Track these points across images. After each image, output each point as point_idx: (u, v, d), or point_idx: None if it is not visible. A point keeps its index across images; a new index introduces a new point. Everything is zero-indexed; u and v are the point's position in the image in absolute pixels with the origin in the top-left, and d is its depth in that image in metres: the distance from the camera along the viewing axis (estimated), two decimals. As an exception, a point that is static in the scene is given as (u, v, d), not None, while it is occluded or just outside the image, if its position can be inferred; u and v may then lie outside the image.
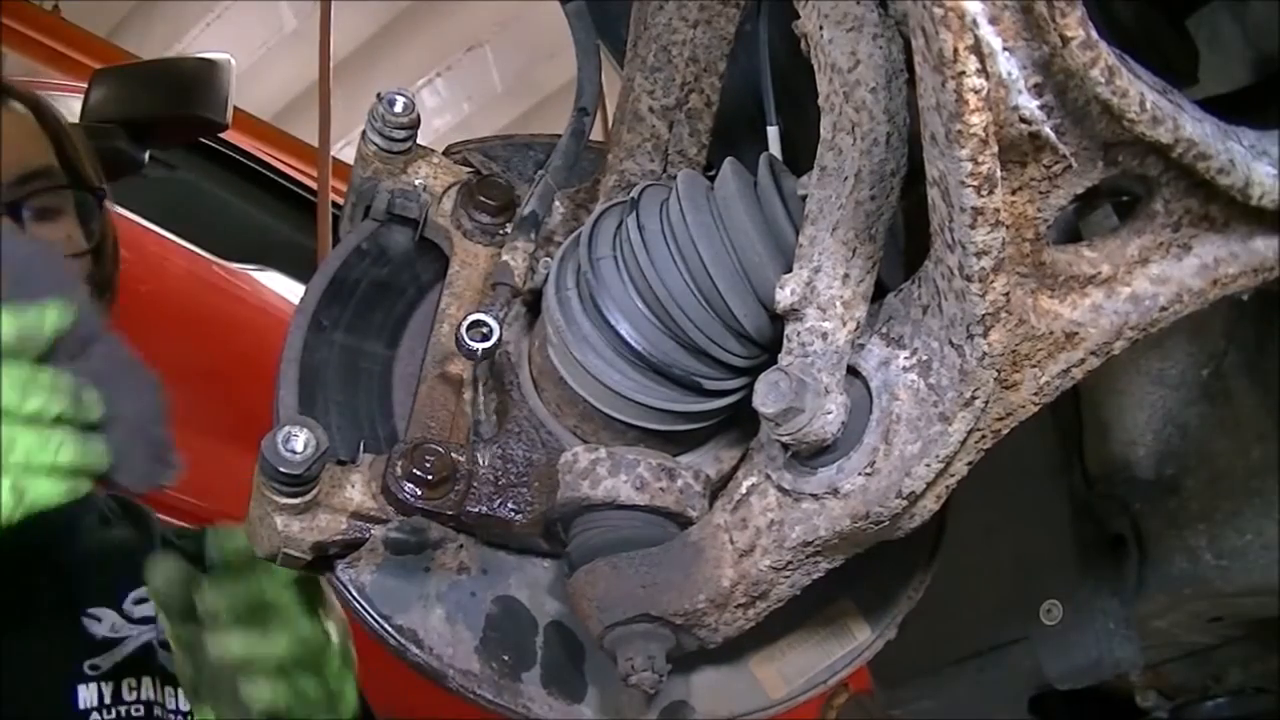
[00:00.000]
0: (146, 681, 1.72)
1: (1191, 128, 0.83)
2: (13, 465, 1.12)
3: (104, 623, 1.74)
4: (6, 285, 1.17)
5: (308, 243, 4.10)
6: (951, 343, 0.87)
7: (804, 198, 0.98)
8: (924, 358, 0.90)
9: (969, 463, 0.92)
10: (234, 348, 3.37)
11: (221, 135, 4.04)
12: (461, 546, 1.13)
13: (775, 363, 0.94)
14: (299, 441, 1.04)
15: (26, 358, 1.17)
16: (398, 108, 1.21)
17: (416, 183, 1.24)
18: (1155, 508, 1.46)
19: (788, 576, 0.99)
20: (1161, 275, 0.90)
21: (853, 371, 0.93)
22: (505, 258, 1.14)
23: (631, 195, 1.10)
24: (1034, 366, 0.88)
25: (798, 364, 0.93)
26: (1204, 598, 1.44)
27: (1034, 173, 0.82)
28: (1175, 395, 1.47)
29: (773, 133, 1.13)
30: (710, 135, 1.23)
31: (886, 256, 0.95)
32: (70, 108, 3.16)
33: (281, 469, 1.03)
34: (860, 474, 0.91)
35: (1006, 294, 0.83)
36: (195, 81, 3.53)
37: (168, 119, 3.48)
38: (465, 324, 1.06)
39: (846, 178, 0.91)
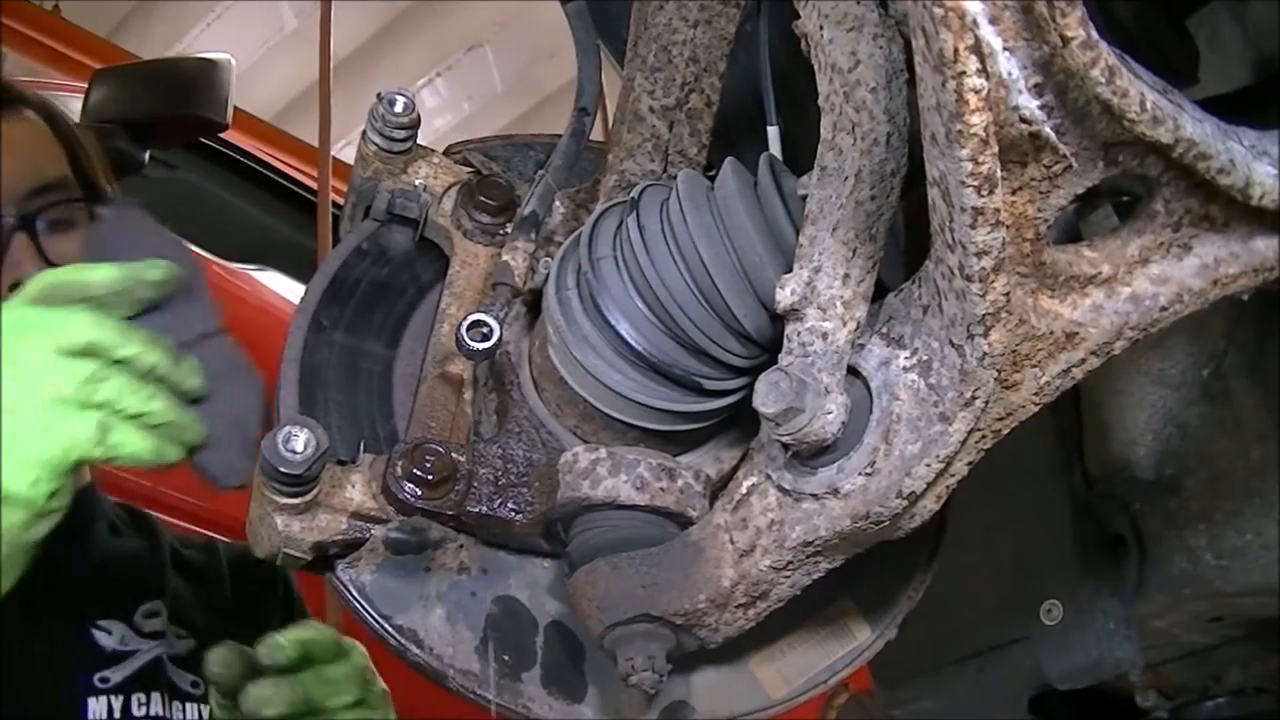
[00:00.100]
0: (156, 696, 1.72)
1: (1192, 128, 0.83)
2: (102, 402, 1.11)
3: (114, 635, 1.74)
4: (119, 250, 1.19)
5: (308, 243, 4.09)
6: (952, 343, 0.87)
7: (804, 198, 0.98)
8: (924, 358, 0.90)
9: (969, 463, 0.92)
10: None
11: (221, 135, 4.04)
12: (462, 546, 1.13)
13: (775, 363, 0.94)
14: (299, 441, 1.04)
15: (128, 307, 1.16)
16: (398, 108, 1.21)
17: (417, 183, 1.24)
18: (1155, 508, 1.46)
19: (788, 576, 0.99)
20: (1162, 275, 0.90)
21: (853, 371, 0.93)
22: (505, 258, 1.14)
23: (632, 195, 1.11)
24: (1034, 366, 0.88)
25: (798, 364, 0.93)
26: (1204, 598, 1.44)
27: (1034, 173, 0.82)
28: (1175, 395, 1.47)
29: (773, 133, 1.13)
30: (710, 135, 1.23)
31: (886, 256, 0.95)
32: (70, 108, 3.16)
33: (282, 469, 1.03)
34: (860, 474, 0.91)
35: (1007, 294, 0.83)
36: (195, 81, 3.53)
37: (168, 119, 3.48)
38: (465, 324, 1.06)
39: (847, 178, 0.91)
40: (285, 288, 3.91)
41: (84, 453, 1.10)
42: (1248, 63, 1.30)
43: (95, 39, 5.16)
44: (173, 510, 2.74)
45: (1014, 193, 0.82)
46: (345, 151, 4.19)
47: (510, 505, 1.11)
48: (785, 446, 0.94)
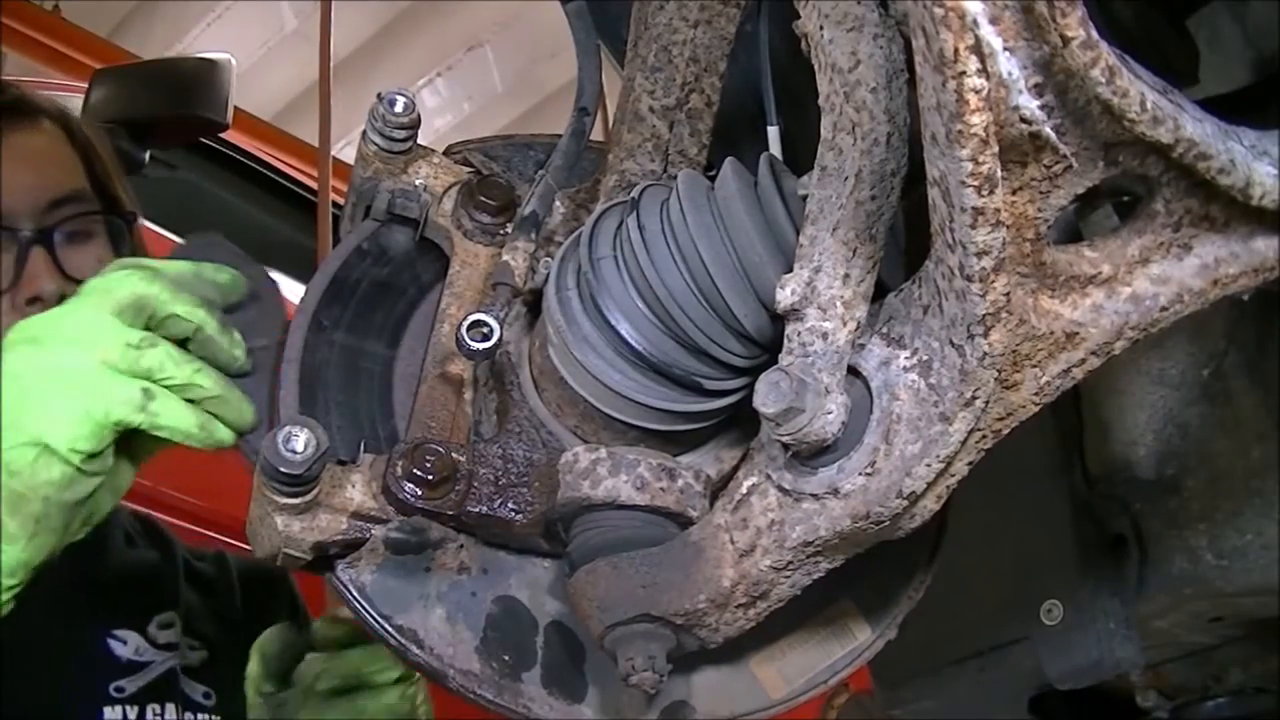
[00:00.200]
0: (170, 707, 1.74)
1: (1192, 128, 0.83)
2: (147, 369, 1.11)
3: (129, 645, 1.76)
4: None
5: (308, 243, 4.10)
6: (952, 343, 0.87)
7: (804, 198, 0.98)
8: (924, 358, 0.90)
9: (969, 463, 0.92)
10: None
11: (222, 135, 4.04)
12: (462, 546, 1.13)
13: (776, 363, 0.94)
14: (299, 441, 1.04)
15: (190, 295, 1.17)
16: (398, 108, 1.21)
17: (417, 183, 1.24)
18: (1155, 508, 1.46)
19: (788, 576, 0.99)
20: (1162, 275, 0.90)
21: (853, 371, 0.93)
22: (506, 258, 1.14)
23: (632, 195, 1.11)
24: (1034, 366, 0.88)
25: (798, 364, 0.93)
26: (1204, 598, 1.44)
27: (1034, 173, 0.82)
28: (1176, 395, 1.47)
29: (773, 133, 1.13)
30: (710, 135, 1.23)
31: (887, 256, 0.95)
32: (71, 107, 3.16)
33: (282, 469, 1.03)
34: (861, 474, 0.91)
35: (1007, 294, 0.83)
36: (196, 81, 3.53)
37: (168, 119, 3.48)
38: (466, 324, 1.06)
39: (847, 178, 0.91)
40: (285, 288, 3.91)
41: (123, 416, 1.10)
42: (1248, 63, 1.30)
43: (95, 39, 5.17)
44: (172, 510, 2.74)
45: (1014, 193, 0.82)
46: (345, 151, 4.20)
47: (510, 505, 1.11)
48: (785, 446, 0.94)
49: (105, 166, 1.90)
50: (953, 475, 0.92)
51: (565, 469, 1.09)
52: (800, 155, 1.03)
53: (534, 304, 1.18)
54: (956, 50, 0.74)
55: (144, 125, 3.37)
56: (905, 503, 0.91)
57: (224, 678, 1.81)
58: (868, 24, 0.90)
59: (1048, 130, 0.79)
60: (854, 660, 1.19)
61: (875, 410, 0.91)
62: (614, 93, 1.27)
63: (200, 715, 1.77)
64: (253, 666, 1.63)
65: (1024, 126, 0.78)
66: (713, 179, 1.08)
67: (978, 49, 0.74)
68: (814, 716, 2.83)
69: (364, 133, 1.22)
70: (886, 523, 0.93)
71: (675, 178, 1.09)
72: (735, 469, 1.12)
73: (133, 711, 1.70)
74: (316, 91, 4.41)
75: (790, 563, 0.97)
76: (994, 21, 0.74)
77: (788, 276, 0.94)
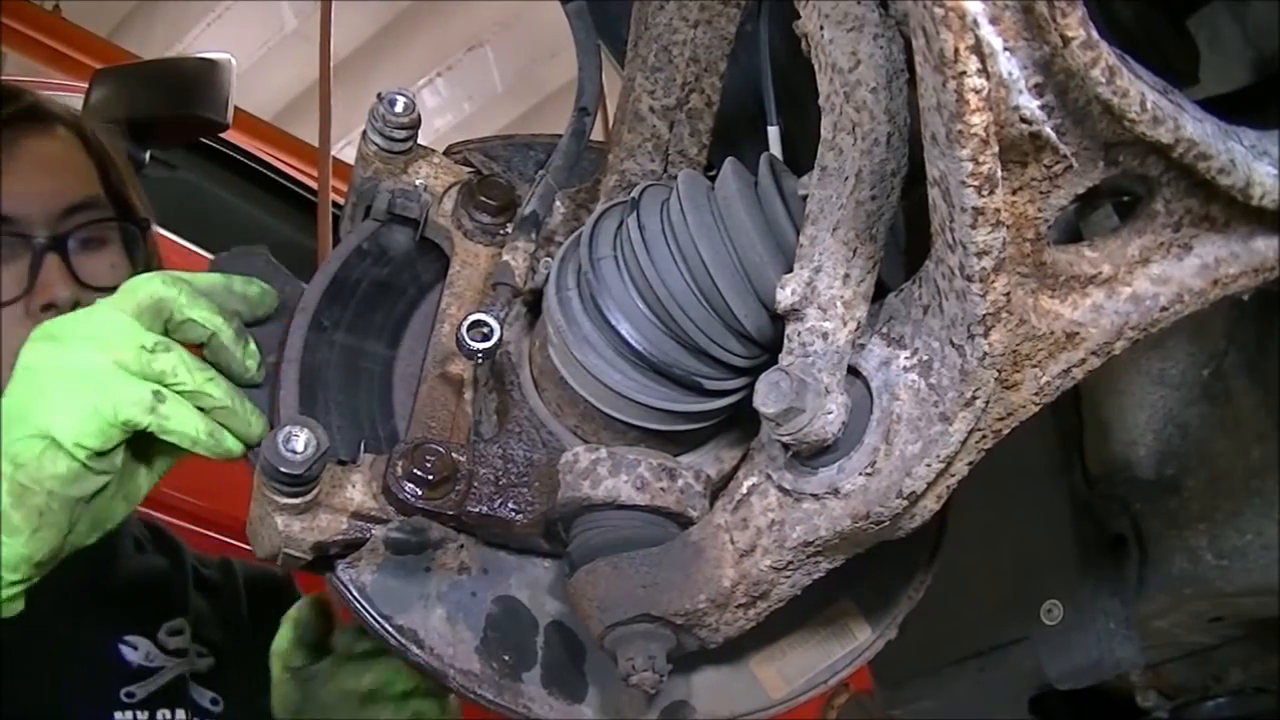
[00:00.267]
0: (180, 713, 1.75)
1: (1192, 128, 0.83)
2: (159, 372, 1.11)
3: (139, 651, 1.77)
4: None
5: (308, 243, 4.10)
6: (952, 343, 0.87)
7: (804, 198, 0.98)
8: (925, 358, 0.90)
9: (969, 463, 0.92)
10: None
11: (222, 135, 4.04)
12: (462, 546, 1.13)
13: (776, 363, 0.94)
14: (299, 441, 1.04)
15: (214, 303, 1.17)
16: (398, 108, 1.21)
17: (417, 183, 1.24)
18: (1156, 508, 1.46)
19: (788, 576, 0.99)
20: (1162, 275, 0.90)
21: (853, 371, 0.93)
22: (506, 258, 1.14)
23: (632, 195, 1.11)
24: (1035, 366, 0.88)
25: (798, 364, 0.93)
26: (1204, 598, 1.44)
27: (1035, 173, 0.82)
28: (1176, 395, 1.47)
29: (773, 133, 1.13)
30: (711, 135, 1.23)
31: (887, 256, 0.95)
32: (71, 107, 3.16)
33: (282, 469, 1.03)
34: (861, 474, 0.92)
35: (1007, 294, 0.83)
36: (196, 81, 3.53)
37: (168, 119, 3.48)
38: (466, 324, 1.06)
39: (847, 178, 0.91)
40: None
41: (131, 416, 1.10)
42: (1248, 63, 1.30)
43: (95, 39, 5.17)
44: (172, 510, 2.74)
45: (1014, 193, 0.82)
46: (345, 151, 4.20)
47: (510, 505, 1.11)
48: (786, 446, 0.94)
49: (119, 173, 1.90)
50: (953, 475, 0.92)
51: (565, 469, 1.09)
52: (800, 155, 1.03)
53: (534, 304, 1.18)
54: (957, 50, 0.74)
55: (144, 125, 3.36)
56: (905, 503, 0.91)
57: (231, 684, 1.83)
58: (868, 24, 0.90)
59: (1048, 130, 0.79)
60: (854, 660, 1.19)
61: (875, 410, 0.91)
62: (614, 93, 1.27)
63: None
64: (282, 638, 1.63)
65: (1024, 126, 0.78)
66: (713, 179, 1.08)
67: (978, 49, 0.74)
68: (814, 716, 2.83)
69: (364, 133, 1.22)
70: (887, 523, 0.93)
71: (675, 178, 1.09)
72: (735, 469, 1.12)
73: (143, 716, 1.71)
74: (316, 91, 4.42)
75: (790, 563, 0.97)
76: (994, 21, 0.74)
77: (788, 276, 0.94)
